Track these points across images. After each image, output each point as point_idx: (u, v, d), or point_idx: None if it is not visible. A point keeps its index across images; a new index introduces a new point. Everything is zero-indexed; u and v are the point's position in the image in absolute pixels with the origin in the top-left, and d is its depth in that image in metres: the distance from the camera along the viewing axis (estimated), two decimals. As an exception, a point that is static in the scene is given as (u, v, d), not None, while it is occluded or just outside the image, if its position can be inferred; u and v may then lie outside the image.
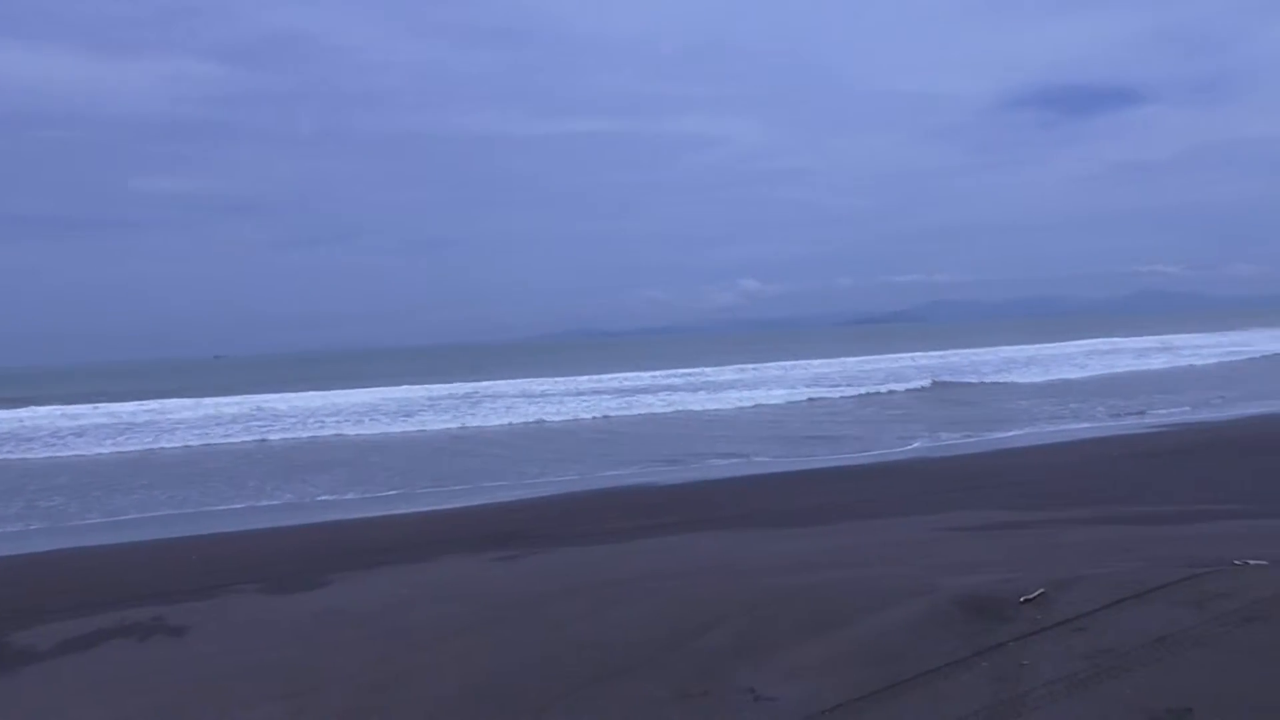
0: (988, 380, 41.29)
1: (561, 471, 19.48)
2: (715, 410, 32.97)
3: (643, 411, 32.92)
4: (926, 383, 40.46)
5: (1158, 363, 48.54)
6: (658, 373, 57.23)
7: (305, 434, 30.12)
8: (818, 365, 61.45)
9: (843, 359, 67.72)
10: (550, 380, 53.38)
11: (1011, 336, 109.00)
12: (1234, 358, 49.90)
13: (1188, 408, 26.81)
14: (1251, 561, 6.77)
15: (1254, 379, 37.21)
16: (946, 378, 43.08)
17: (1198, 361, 47.89)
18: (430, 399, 43.70)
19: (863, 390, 38.18)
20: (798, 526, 11.11)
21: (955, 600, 6.23)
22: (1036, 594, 6.16)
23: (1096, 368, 46.19)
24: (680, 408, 33.82)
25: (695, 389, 43.92)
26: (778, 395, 36.90)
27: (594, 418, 31.74)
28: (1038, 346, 74.88)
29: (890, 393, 37.16)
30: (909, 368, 54.78)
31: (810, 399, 35.51)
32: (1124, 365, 47.45)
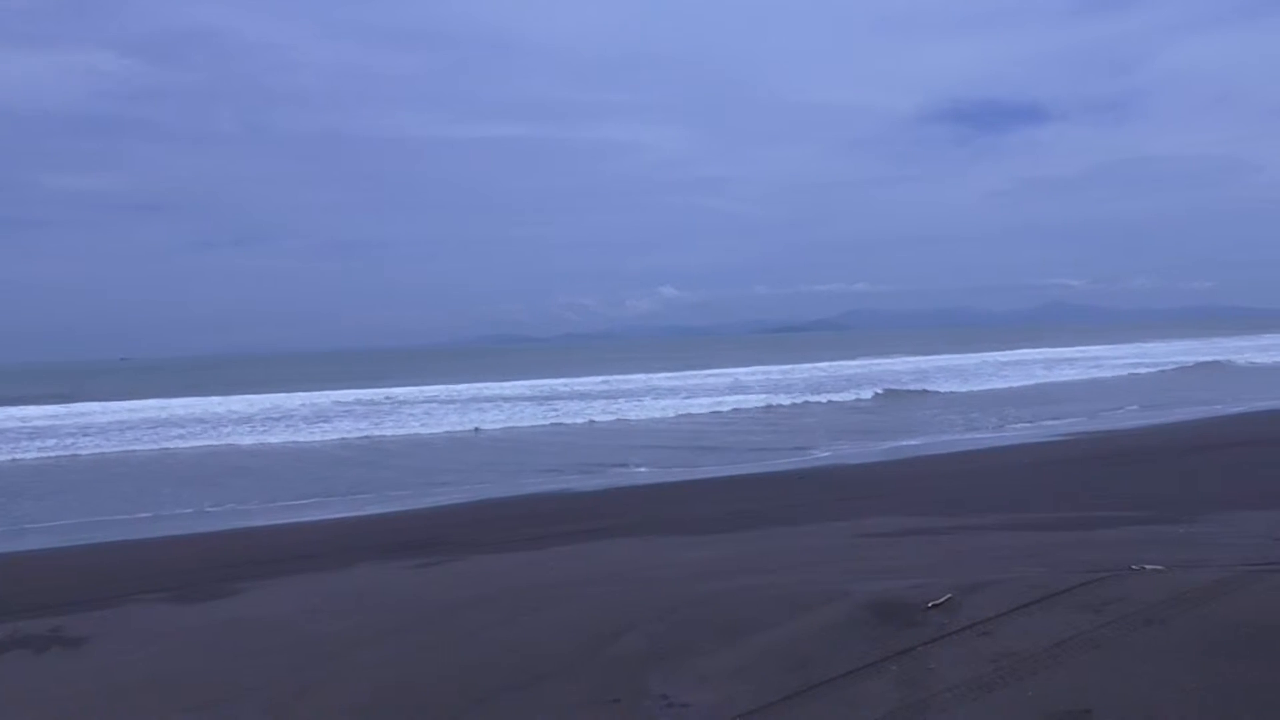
0: (939, 389, 41.66)
1: (478, 478, 19.34)
2: (643, 419, 32.92)
3: (568, 420, 32.57)
4: (879, 390, 40.92)
5: (1069, 373, 49.94)
6: (583, 379, 57.05)
7: (211, 440, 29.37)
8: (745, 372, 61.95)
9: (771, 366, 68.41)
10: (471, 386, 52.81)
11: (931, 346, 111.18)
12: (1135, 369, 51.57)
13: (1085, 418, 27.64)
14: (1148, 566, 6.99)
15: (1153, 390, 38.54)
16: (891, 386, 43.72)
17: (1106, 373, 49.36)
18: (345, 404, 43.02)
19: (803, 399, 38.35)
20: (714, 533, 11.18)
21: (866, 606, 6.33)
22: (944, 599, 6.29)
23: (1016, 378, 47.28)
24: (615, 415, 33.57)
25: (621, 396, 43.89)
26: (703, 403, 37.11)
27: (513, 425, 31.47)
28: (962, 356, 76.61)
29: (829, 402, 37.51)
30: (838, 376, 55.55)
31: (735, 408, 35.69)
32: (1040, 376, 48.58)
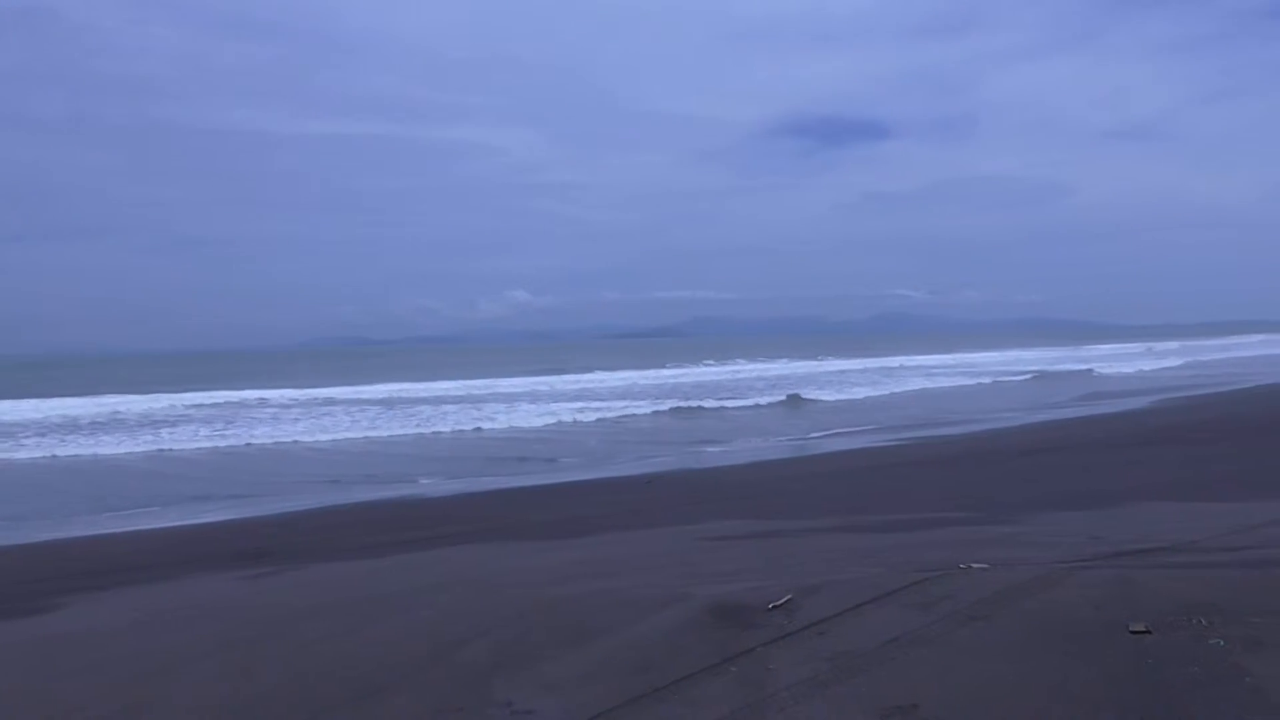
0: (840, 397, 41.99)
1: (320, 485, 18.80)
2: (493, 427, 32.36)
3: (428, 429, 31.66)
4: (781, 397, 41.19)
5: (917, 381, 51.65)
6: (435, 384, 55.91)
7: (31, 446, 27.53)
8: (600, 377, 62.04)
9: (627, 372, 68.63)
10: (315, 390, 51.00)
11: (777, 352, 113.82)
12: (970, 378, 53.86)
13: (921, 424, 28.82)
14: (974, 565, 7.33)
15: (983, 397, 40.47)
16: (794, 390, 44.27)
17: (945, 382, 51.27)
18: (179, 409, 41.16)
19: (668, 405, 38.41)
20: (559, 539, 11.18)
21: (708, 608, 6.42)
22: (784, 600, 6.44)
23: (863, 386, 48.62)
24: (468, 422, 32.45)
25: (475, 401, 43.29)
26: (562, 409, 36.90)
27: (360, 430, 30.66)
28: (815, 363, 78.76)
29: (739, 408, 37.61)
30: (701, 383, 56.14)
31: (574, 417, 35.57)
32: (886, 384, 49.83)
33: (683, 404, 38.45)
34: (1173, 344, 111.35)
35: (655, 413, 34.79)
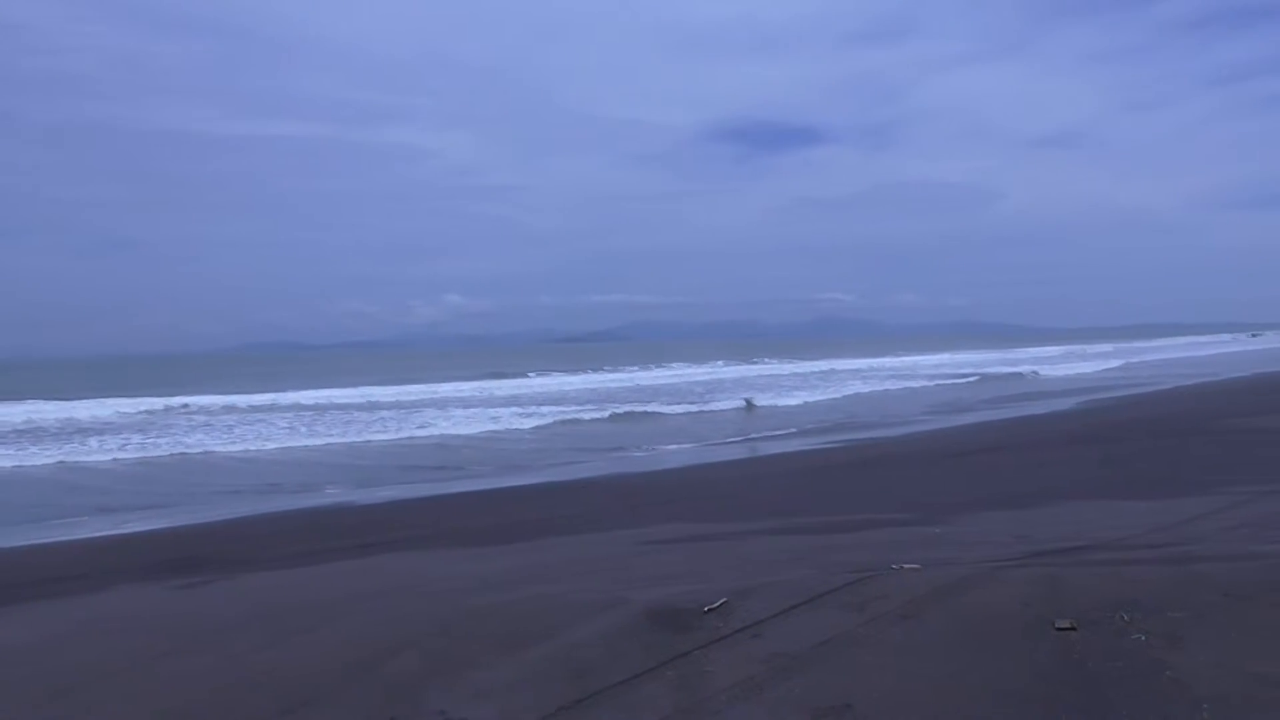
0: (783, 402, 41.70)
1: (250, 494, 18.48)
2: (421, 435, 32.06)
3: (353, 435, 31.31)
4: (721, 400, 40.92)
5: (855, 385, 51.97)
6: (369, 389, 55.08)
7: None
8: (534, 383, 61.70)
9: (567, 376, 68.35)
10: (245, 397, 50.00)
11: (716, 355, 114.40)
12: (905, 382, 54.56)
13: (856, 427, 29.18)
14: (907, 565, 7.44)
15: (917, 399, 41.10)
16: (733, 394, 44.16)
17: (888, 386, 51.75)
18: (105, 416, 40.17)
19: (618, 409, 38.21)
20: (495, 544, 11.12)
21: (644, 613, 6.43)
22: (720, 603, 6.47)
23: (803, 390, 48.86)
24: (407, 430, 31.97)
25: (410, 407, 42.83)
26: (501, 414, 36.66)
27: (292, 438, 30.18)
28: (752, 367, 79.24)
29: (705, 413, 37.57)
30: (642, 387, 56.12)
31: (537, 425, 35.38)
32: (830, 388, 49.87)
33: (621, 408, 38.42)
34: (1107, 346, 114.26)
35: (593, 419, 34.70)
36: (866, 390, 48.07)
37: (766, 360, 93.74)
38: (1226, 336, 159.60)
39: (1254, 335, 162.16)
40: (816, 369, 74.46)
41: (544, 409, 38.98)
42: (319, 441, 28.78)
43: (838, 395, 44.73)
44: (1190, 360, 72.65)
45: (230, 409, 43.53)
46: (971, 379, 55.32)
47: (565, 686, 5.38)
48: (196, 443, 28.77)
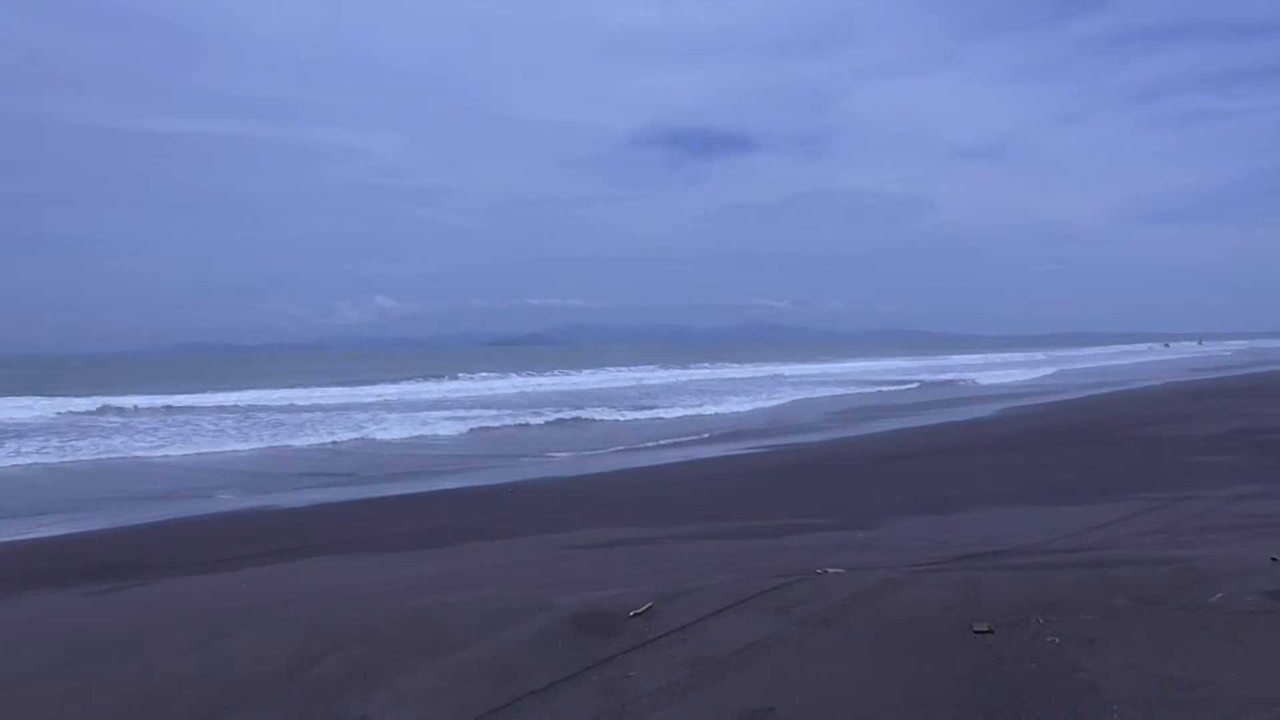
0: (715, 409, 41.25)
1: (172, 498, 18.05)
2: (349, 437, 31.48)
3: (279, 439, 30.57)
4: (649, 405, 40.58)
5: (789, 392, 51.86)
6: (295, 391, 53.99)
7: None
8: (464, 386, 61.08)
9: (500, 380, 67.77)
10: (168, 398, 48.67)
11: (651, 359, 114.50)
12: (850, 389, 54.84)
13: (785, 431, 29.45)
14: (830, 569, 7.52)
15: (843, 406, 41.61)
16: (659, 398, 44.03)
17: (826, 391, 52.02)
18: (20, 418, 38.87)
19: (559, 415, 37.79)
20: (420, 549, 11.01)
21: (570, 617, 6.42)
22: (645, 608, 6.48)
23: (737, 395, 48.88)
24: (334, 433, 30.68)
25: (337, 410, 42.16)
26: (432, 417, 36.22)
27: (216, 442, 29.48)
28: (684, 372, 79.39)
29: (549, 420, 37.35)
30: (580, 391, 55.87)
31: (474, 427, 34.87)
32: (769, 394, 49.22)
33: (550, 412, 38.17)
34: (1039, 354, 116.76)
35: (522, 423, 34.46)
36: (802, 396, 48.26)
37: (705, 365, 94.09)
38: (1143, 346, 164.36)
39: (1166, 345, 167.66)
40: (748, 374, 74.95)
41: (472, 412, 38.65)
42: (242, 445, 28.14)
43: (782, 401, 44.54)
44: (1110, 369, 74.82)
45: (152, 410, 42.50)
46: (913, 385, 55.95)
47: (489, 691, 5.34)
48: (117, 446, 27.93)
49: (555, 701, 5.18)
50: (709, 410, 38.48)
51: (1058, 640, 5.51)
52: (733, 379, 68.58)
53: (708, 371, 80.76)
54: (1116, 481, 14.54)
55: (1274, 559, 7.05)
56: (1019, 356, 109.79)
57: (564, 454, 24.17)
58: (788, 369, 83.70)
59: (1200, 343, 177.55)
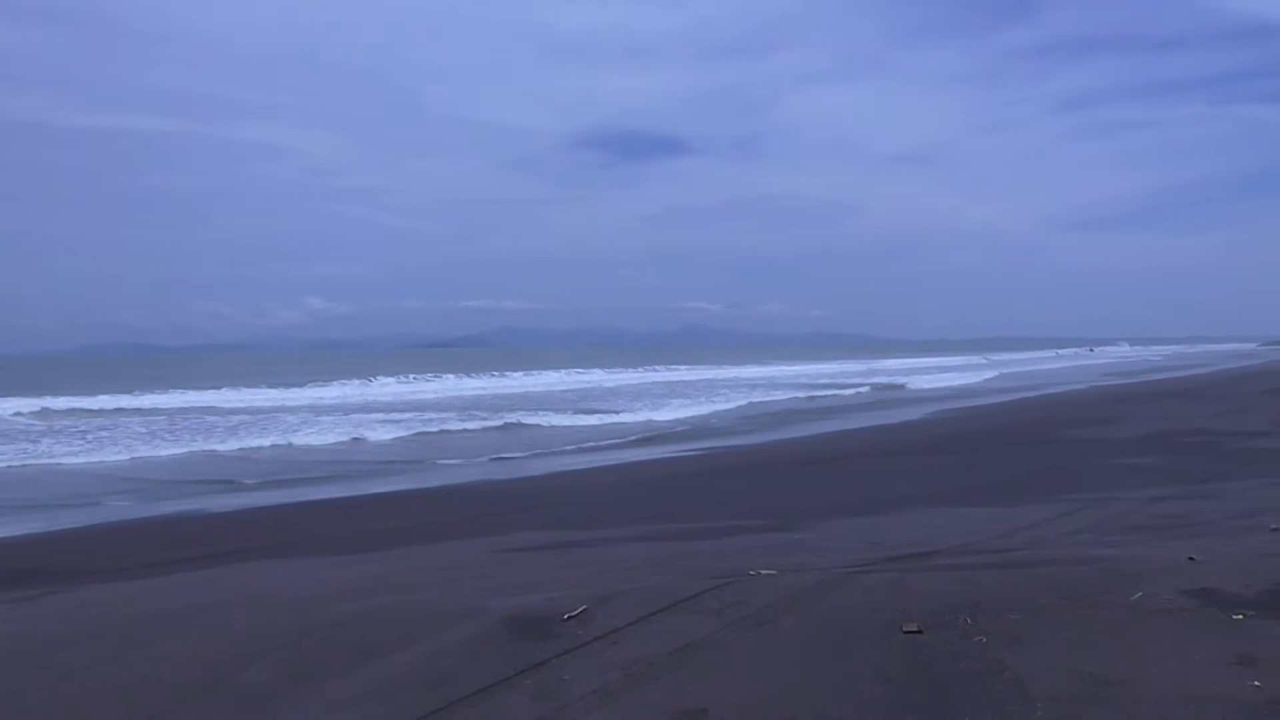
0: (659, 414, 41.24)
1: (94, 503, 17.59)
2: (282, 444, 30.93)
3: (207, 442, 29.94)
4: (584, 407, 40.25)
5: (737, 396, 51.46)
6: (223, 393, 52.81)
7: None
8: (396, 389, 60.25)
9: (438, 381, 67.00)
10: (91, 399, 47.24)
11: (589, 362, 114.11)
12: (797, 393, 54.59)
13: (718, 434, 29.62)
14: (764, 571, 7.58)
15: (776, 409, 41.99)
16: (597, 402, 43.72)
17: (775, 395, 51.96)
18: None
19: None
20: (354, 553, 10.87)
21: (504, 621, 6.38)
22: (579, 611, 6.47)
23: (680, 397, 48.66)
24: (263, 437, 30.06)
25: (267, 413, 41.37)
26: (368, 419, 35.71)
27: (141, 446, 28.78)
28: (618, 373, 79.22)
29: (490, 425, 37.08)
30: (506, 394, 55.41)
31: (416, 432, 34.36)
32: (711, 398, 48.57)
33: (488, 415, 37.86)
34: (980, 358, 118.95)
35: (457, 425, 34.15)
36: (741, 398, 48.00)
37: (643, 368, 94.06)
38: (1069, 351, 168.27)
39: (1091, 350, 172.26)
40: (681, 377, 75.16)
41: (406, 415, 38.23)
42: (168, 448, 27.49)
43: (721, 404, 43.81)
44: (1043, 373, 76.54)
45: (75, 412, 41.34)
46: (857, 389, 56.24)
47: (421, 697, 5.29)
48: (41, 450, 27.04)
49: (489, 706, 5.15)
50: (644, 414, 38.40)
51: (985, 639, 5.61)
52: (669, 381, 68.76)
53: (643, 374, 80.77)
54: (1043, 483, 14.88)
55: (1191, 558, 7.26)
56: (959, 360, 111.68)
57: (498, 457, 24.04)
58: (725, 372, 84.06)
59: (1091, 349, 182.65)
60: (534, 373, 79.53)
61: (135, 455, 26.06)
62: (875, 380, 65.33)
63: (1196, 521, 10.20)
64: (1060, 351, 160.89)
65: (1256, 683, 4.85)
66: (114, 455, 26.08)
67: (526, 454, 24.75)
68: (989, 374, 73.11)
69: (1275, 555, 7.36)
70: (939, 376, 69.57)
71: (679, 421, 35.41)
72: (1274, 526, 9.14)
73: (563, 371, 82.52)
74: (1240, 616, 5.82)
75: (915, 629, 5.81)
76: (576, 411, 39.67)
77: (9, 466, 24.01)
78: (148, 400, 47.85)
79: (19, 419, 38.48)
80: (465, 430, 32.38)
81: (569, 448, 26.04)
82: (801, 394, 51.69)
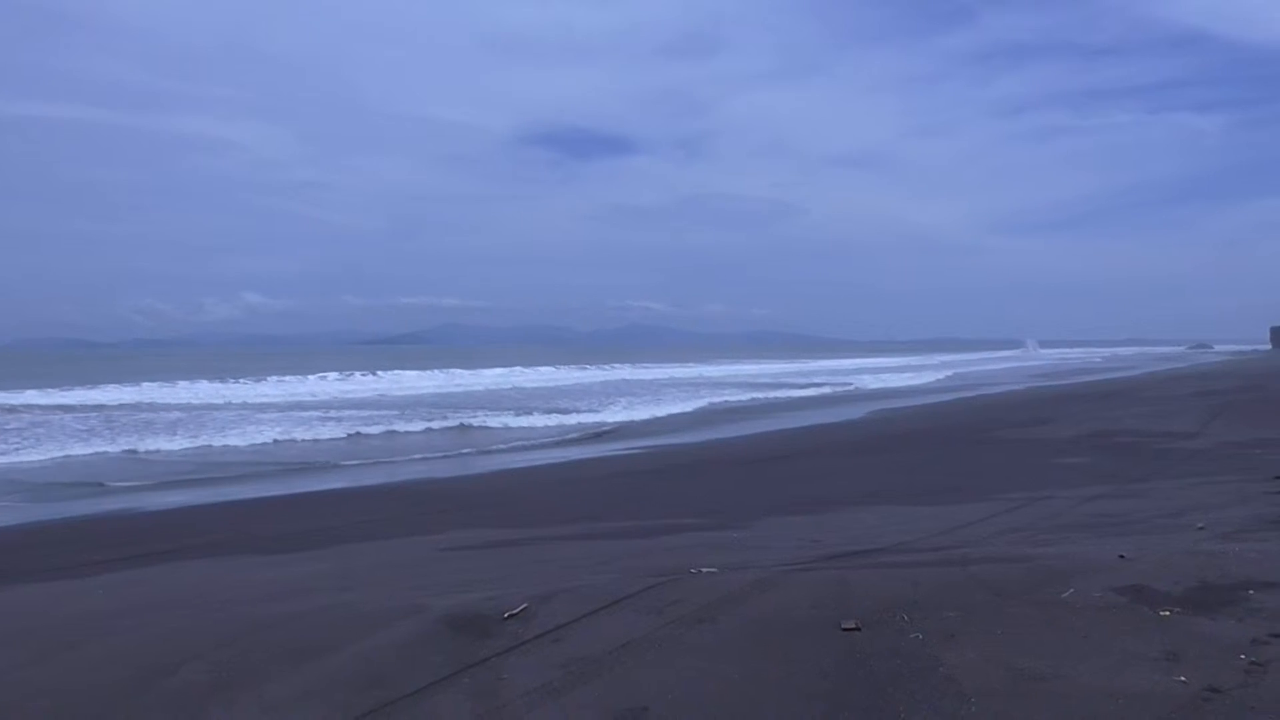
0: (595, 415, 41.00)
1: (21, 502, 17.14)
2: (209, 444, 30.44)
3: (141, 440, 29.34)
4: (532, 406, 39.96)
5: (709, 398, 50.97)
6: (157, 388, 51.66)
7: None
8: (336, 386, 59.46)
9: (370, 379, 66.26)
10: (18, 396, 45.91)
11: (533, 360, 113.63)
12: (757, 394, 54.76)
13: (659, 433, 29.68)
14: (704, 569, 7.61)
15: (712, 410, 42.18)
16: (543, 402, 43.36)
17: (729, 396, 52.25)
18: None
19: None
20: (291, 552, 10.72)
21: (443, 619, 6.33)
22: (520, 609, 6.44)
23: (624, 396, 48.61)
24: (200, 435, 29.63)
25: (203, 410, 40.63)
26: (287, 418, 35.19)
27: (72, 444, 28.06)
28: (573, 372, 79.08)
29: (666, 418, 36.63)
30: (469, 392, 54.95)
31: (355, 431, 34.07)
32: (661, 399, 47.93)
33: (429, 413, 37.51)
34: (932, 358, 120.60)
35: (397, 423, 33.80)
36: (688, 397, 47.89)
37: (585, 366, 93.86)
38: (1008, 352, 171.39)
39: (1028, 347, 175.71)
40: (624, 375, 75.20)
41: (345, 412, 37.82)
42: (98, 445, 26.80)
43: (667, 403, 43.52)
44: (982, 374, 77.92)
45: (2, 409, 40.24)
46: (805, 389, 56.45)
47: (358, 697, 5.23)
48: None
49: (428, 705, 5.10)
50: (586, 414, 38.27)
51: (921, 636, 5.68)
52: (612, 380, 68.72)
53: (591, 373, 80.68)
54: (980, 482, 15.11)
55: (1122, 556, 7.42)
56: (907, 360, 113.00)
57: (437, 455, 23.86)
58: (674, 371, 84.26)
59: (1030, 347, 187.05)
60: (477, 370, 79.00)
61: (65, 454, 25.25)
62: (816, 379, 65.96)
63: (1127, 520, 10.42)
64: (999, 353, 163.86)
65: (1182, 678, 4.96)
66: (46, 453, 25.26)
67: (470, 452, 24.60)
68: (940, 374, 74.32)
69: (1202, 554, 7.54)
70: (898, 376, 70.78)
71: (620, 420, 35.38)
72: (1200, 525, 9.37)
73: (508, 369, 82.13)
74: (1167, 613, 5.95)
75: (854, 626, 5.86)
76: (518, 411, 39.34)
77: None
78: (77, 396, 46.67)
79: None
80: (406, 429, 32.00)
81: (507, 446, 25.94)
82: (760, 394, 51.75)
